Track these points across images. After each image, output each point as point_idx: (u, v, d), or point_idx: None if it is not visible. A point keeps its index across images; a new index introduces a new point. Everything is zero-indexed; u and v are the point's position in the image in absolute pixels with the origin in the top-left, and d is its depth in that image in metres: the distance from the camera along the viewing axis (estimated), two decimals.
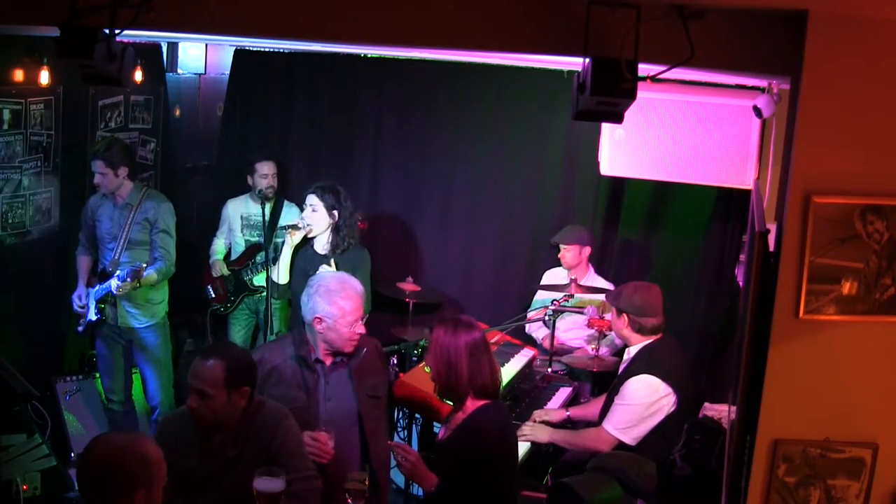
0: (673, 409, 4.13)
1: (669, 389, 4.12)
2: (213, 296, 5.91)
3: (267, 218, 5.70)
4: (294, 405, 3.56)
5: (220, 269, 5.87)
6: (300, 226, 5.02)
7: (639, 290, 4.34)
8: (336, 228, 5.05)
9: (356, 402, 3.77)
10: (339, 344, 3.74)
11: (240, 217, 5.91)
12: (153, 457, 2.58)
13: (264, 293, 5.72)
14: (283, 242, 5.12)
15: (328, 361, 3.79)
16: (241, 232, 5.91)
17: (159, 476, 2.58)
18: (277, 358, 3.79)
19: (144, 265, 5.00)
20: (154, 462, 2.57)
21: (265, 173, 5.78)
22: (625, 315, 4.30)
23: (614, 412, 4.19)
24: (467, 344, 3.45)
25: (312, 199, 5.04)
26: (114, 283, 4.96)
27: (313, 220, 5.04)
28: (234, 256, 5.96)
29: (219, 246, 5.98)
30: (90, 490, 2.53)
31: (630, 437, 4.12)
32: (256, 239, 5.85)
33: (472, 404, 3.46)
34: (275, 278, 5.07)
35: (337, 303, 3.69)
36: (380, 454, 3.78)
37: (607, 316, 4.95)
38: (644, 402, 4.12)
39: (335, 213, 5.02)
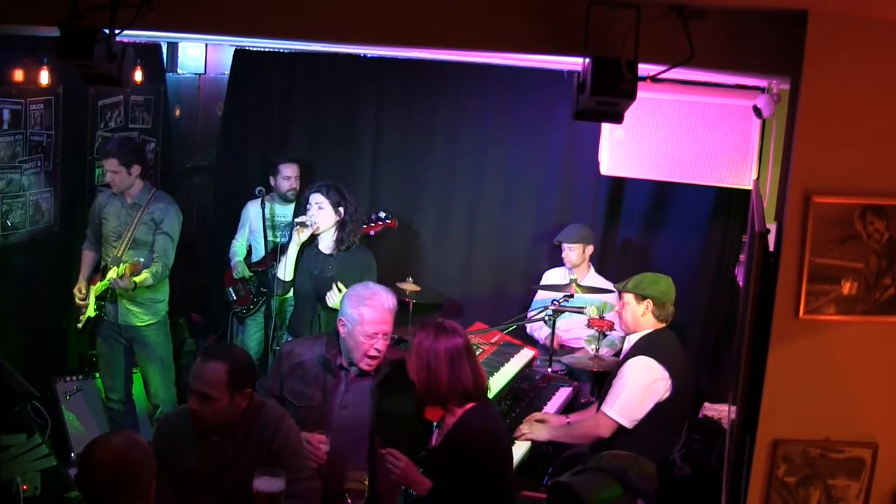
0: (668, 394, 4.16)
1: (666, 373, 4.17)
2: (235, 298, 5.89)
3: (290, 219, 5.69)
4: (309, 404, 3.58)
5: (242, 271, 5.83)
6: (308, 223, 5.03)
7: (661, 278, 4.38)
8: (342, 224, 5.06)
9: (371, 418, 3.72)
10: (354, 354, 3.68)
11: (262, 218, 5.87)
12: (150, 448, 2.62)
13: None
14: (289, 239, 5.12)
15: (353, 371, 3.76)
16: (264, 233, 5.88)
17: (155, 468, 2.62)
18: (307, 354, 3.80)
19: (142, 260, 5.01)
20: (152, 454, 2.61)
21: (288, 175, 5.80)
22: (649, 301, 4.32)
23: (611, 395, 4.24)
24: (447, 350, 3.40)
25: (318, 198, 5.03)
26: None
27: (320, 217, 5.03)
28: (255, 258, 5.94)
29: (239, 247, 5.95)
30: (104, 495, 2.52)
31: (628, 419, 4.15)
32: (281, 240, 5.80)
33: (459, 408, 3.45)
34: (280, 275, 5.07)
35: (359, 309, 3.66)
36: (384, 477, 3.62)
37: (607, 316, 4.96)
38: (641, 382, 4.16)
39: (341, 209, 5.04)
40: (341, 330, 3.72)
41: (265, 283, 5.81)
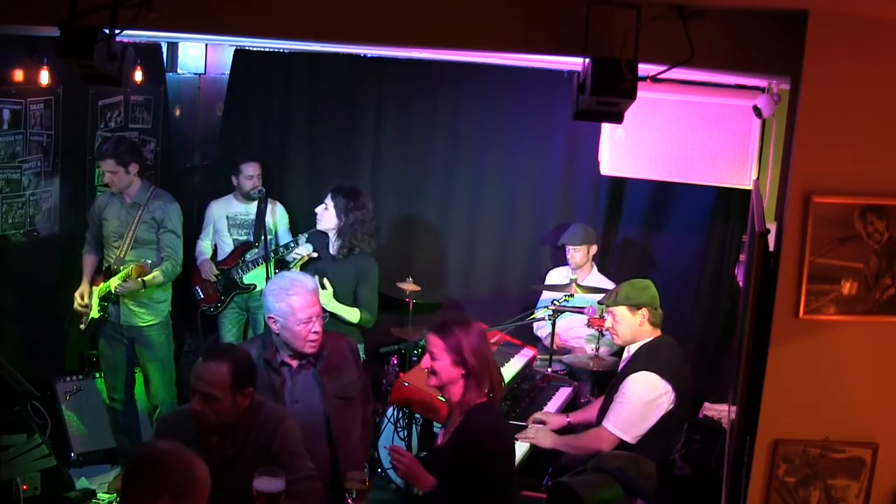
0: (672, 406, 4.12)
1: (669, 387, 4.12)
2: (203, 296, 5.89)
3: (253, 217, 5.72)
4: None
5: (211, 271, 5.85)
6: (302, 254, 5.26)
7: (648, 285, 4.35)
8: (340, 231, 5.08)
9: (323, 404, 3.76)
10: (295, 344, 3.73)
11: (225, 217, 5.90)
12: (199, 476, 2.52)
13: (254, 291, 5.74)
14: (292, 263, 5.32)
15: (294, 364, 3.79)
16: (228, 231, 5.91)
17: (195, 498, 2.52)
18: None
19: (148, 261, 5.02)
20: (198, 480, 2.51)
21: (250, 174, 5.79)
22: (645, 310, 4.27)
23: (614, 410, 4.18)
24: (484, 334, 3.48)
25: (328, 198, 5.13)
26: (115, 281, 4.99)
27: (324, 217, 5.13)
28: (220, 256, 5.95)
29: (205, 247, 5.96)
30: (129, 476, 2.55)
31: (631, 436, 4.11)
32: (245, 238, 5.85)
33: (467, 405, 3.46)
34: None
35: (286, 300, 3.70)
36: (349, 455, 3.75)
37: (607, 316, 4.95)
38: (644, 399, 4.11)
39: (343, 217, 5.06)
40: (273, 327, 3.74)
41: (231, 281, 5.84)
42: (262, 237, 5.60)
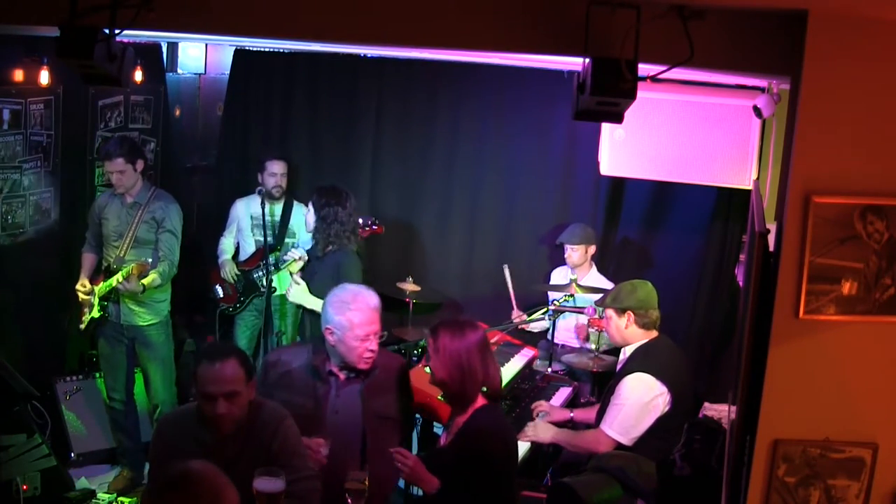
0: (668, 408, 4.11)
1: (664, 388, 4.10)
2: (222, 296, 5.88)
3: (277, 218, 5.71)
4: (300, 412, 3.52)
5: (231, 271, 5.85)
6: (295, 257, 5.29)
7: (638, 286, 4.33)
8: (315, 230, 5.08)
9: (363, 421, 3.71)
10: (349, 358, 3.66)
11: (249, 217, 5.90)
12: (227, 500, 2.46)
13: (276, 293, 5.73)
14: (283, 266, 5.38)
15: (341, 376, 3.73)
16: (251, 231, 5.90)
17: None
18: (294, 362, 3.76)
19: (149, 260, 5.02)
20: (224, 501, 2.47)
21: (274, 172, 5.80)
22: (629, 313, 4.26)
23: (611, 413, 4.17)
24: (477, 343, 3.44)
25: (310, 201, 5.16)
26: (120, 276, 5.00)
27: (307, 219, 5.16)
28: (242, 256, 5.94)
29: (227, 245, 5.96)
30: (155, 496, 2.52)
31: (628, 438, 4.11)
32: (269, 240, 5.81)
33: (471, 408, 3.46)
34: (290, 298, 5.09)
35: (346, 314, 3.63)
36: (380, 475, 3.63)
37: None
38: (640, 400, 4.10)
39: (317, 214, 5.06)
40: (330, 338, 3.67)
41: (251, 283, 5.83)
42: (265, 238, 5.61)
